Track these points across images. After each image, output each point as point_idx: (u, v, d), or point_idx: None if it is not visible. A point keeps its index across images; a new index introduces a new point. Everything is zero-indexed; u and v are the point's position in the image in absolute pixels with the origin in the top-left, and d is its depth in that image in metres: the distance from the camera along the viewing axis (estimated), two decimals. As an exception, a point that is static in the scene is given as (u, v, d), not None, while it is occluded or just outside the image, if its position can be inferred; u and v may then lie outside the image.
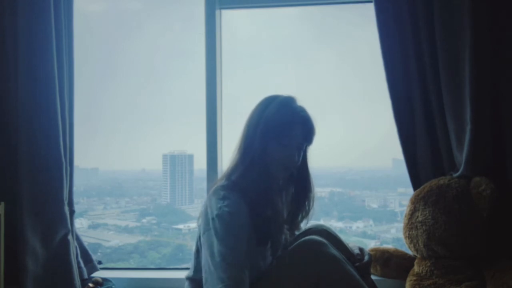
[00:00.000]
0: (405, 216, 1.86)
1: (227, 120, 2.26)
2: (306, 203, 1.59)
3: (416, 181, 1.91)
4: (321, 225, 1.64)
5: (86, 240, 2.19)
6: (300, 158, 1.52)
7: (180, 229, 2.71)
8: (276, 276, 1.41)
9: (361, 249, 1.61)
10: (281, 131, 1.45)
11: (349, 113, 2.47)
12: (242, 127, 1.53)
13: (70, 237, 1.97)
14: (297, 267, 1.39)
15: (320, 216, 2.41)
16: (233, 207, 1.39)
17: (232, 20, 2.37)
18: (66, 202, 1.98)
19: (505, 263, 1.66)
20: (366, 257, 1.57)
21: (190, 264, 1.59)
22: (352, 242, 1.67)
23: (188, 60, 2.54)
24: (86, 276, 2.02)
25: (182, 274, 1.75)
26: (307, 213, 1.60)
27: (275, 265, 1.46)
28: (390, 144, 2.03)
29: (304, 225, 1.65)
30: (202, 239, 1.42)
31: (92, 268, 2.07)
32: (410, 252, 1.89)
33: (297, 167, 1.53)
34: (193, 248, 1.56)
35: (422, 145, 1.89)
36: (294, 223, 1.61)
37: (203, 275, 1.37)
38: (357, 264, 1.52)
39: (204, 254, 1.38)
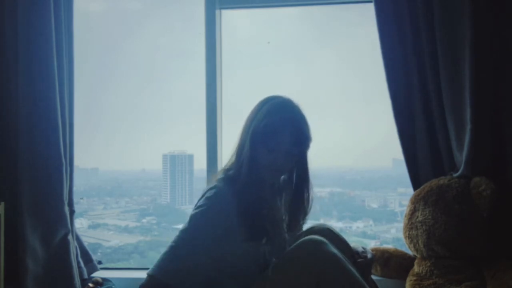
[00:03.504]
0: (405, 216, 1.86)
1: (227, 120, 2.26)
2: (305, 205, 1.58)
3: (416, 181, 1.91)
4: (324, 225, 1.64)
5: (86, 240, 2.19)
6: (289, 163, 1.50)
7: (180, 229, 2.71)
8: (277, 275, 1.41)
9: (364, 248, 1.62)
10: (268, 136, 1.43)
11: (349, 113, 2.47)
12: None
13: (70, 237, 1.97)
14: (297, 266, 1.39)
15: (320, 216, 2.40)
16: (214, 202, 1.41)
17: (232, 20, 2.37)
18: (66, 202, 1.98)
19: (505, 263, 1.66)
20: (369, 255, 1.57)
21: None
22: (353, 242, 1.67)
23: (188, 60, 2.54)
24: (86, 276, 2.02)
25: (182, 274, 1.75)
26: (305, 215, 1.60)
27: (275, 264, 1.46)
28: (390, 144, 2.03)
29: (305, 226, 1.65)
30: None
31: (92, 268, 2.07)
32: (410, 252, 1.89)
33: (289, 170, 1.54)
34: None
35: (422, 145, 1.89)
36: (293, 224, 1.61)
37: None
38: (360, 260, 1.52)
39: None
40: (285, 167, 1.50)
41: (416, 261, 1.84)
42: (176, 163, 2.73)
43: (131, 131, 2.63)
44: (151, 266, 1.39)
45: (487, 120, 1.75)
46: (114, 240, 2.72)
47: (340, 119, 2.44)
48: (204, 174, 2.21)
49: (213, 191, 1.43)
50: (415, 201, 1.82)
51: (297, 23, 2.51)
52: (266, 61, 2.52)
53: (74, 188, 2.08)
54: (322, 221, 1.66)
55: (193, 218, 1.41)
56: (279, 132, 1.43)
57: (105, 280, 2.02)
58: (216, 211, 1.41)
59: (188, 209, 2.75)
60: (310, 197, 1.58)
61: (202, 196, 1.46)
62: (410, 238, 1.81)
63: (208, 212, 1.40)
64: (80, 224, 2.51)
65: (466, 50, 1.74)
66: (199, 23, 2.23)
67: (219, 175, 1.51)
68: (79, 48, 2.07)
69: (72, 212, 2.03)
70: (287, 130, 1.44)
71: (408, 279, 1.82)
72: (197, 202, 1.47)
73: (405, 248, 1.91)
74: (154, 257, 2.59)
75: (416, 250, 1.81)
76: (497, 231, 1.71)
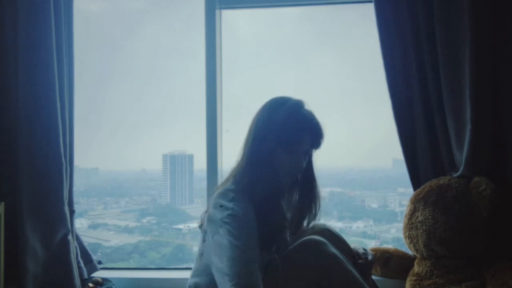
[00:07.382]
0: (405, 216, 1.86)
1: (227, 120, 2.26)
2: (313, 206, 1.56)
3: (416, 181, 1.91)
4: (323, 225, 1.63)
5: (86, 240, 2.19)
6: (305, 162, 1.50)
7: (180, 229, 2.71)
8: (278, 276, 1.41)
9: (365, 249, 1.61)
10: (291, 138, 1.42)
11: (349, 113, 2.47)
12: (247, 127, 1.49)
13: (70, 237, 1.97)
14: (298, 267, 1.39)
15: (320, 216, 2.40)
16: (244, 208, 1.36)
17: (233, 20, 2.37)
18: (66, 202, 1.98)
19: (505, 263, 1.66)
20: (370, 257, 1.57)
21: (193, 269, 1.55)
22: (353, 242, 1.67)
23: (188, 60, 2.55)
24: (86, 276, 2.02)
25: (182, 274, 1.76)
26: (314, 217, 1.57)
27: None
28: (390, 144, 2.03)
29: (307, 226, 1.64)
30: (211, 242, 1.38)
31: (92, 268, 2.07)
32: (410, 252, 1.89)
33: (302, 172, 1.52)
34: (197, 252, 1.52)
35: (422, 145, 1.89)
36: (299, 225, 1.59)
37: (216, 275, 1.33)
38: (360, 261, 1.52)
39: (217, 255, 1.34)
40: (303, 169, 1.50)
41: (416, 261, 1.84)
42: (176, 163, 2.73)
43: (131, 131, 2.63)
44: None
45: (487, 120, 1.75)
46: (114, 240, 2.72)
47: (340, 119, 2.43)
48: (204, 174, 2.20)
49: (234, 203, 1.36)
50: (415, 201, 1.82)
51: (297, 23, 2.51)
52: (266, 61, 2.52)
53: (74, 188, 2.08)
54: (322, 221, 1.65)
55: (235, 234, 1.32)
56: (303, 134, 1.44)
57: (105, 280, 2.02)
58: (247, 226, 1.35)
59: (188, 209, 2.76)
60: (318, 198, 1.56)
61: (217, 210, 1.39)
62: (410, 238, 1.81)
63: (245, 222, 1.34)
64: (80, 224, 2.51)
65: (466, 50, 1.74)
66: (199, 22, 2.23)
67: (228, 185, 1.46)
68: (79, 48, 2.07)
69: (72, 212, 2.02)
70: (309, 132, 1.45)
71: (408, 279, 1.82)
72: (212, 217, 1.40)
73: (405, 248, 1.91)
74: (154, 257, 2.60)
75: (416, 250, 1.81)
76: (497, 231, 1.71)
